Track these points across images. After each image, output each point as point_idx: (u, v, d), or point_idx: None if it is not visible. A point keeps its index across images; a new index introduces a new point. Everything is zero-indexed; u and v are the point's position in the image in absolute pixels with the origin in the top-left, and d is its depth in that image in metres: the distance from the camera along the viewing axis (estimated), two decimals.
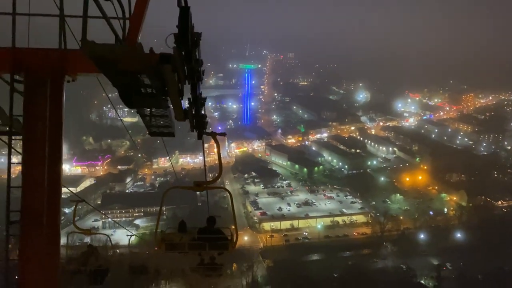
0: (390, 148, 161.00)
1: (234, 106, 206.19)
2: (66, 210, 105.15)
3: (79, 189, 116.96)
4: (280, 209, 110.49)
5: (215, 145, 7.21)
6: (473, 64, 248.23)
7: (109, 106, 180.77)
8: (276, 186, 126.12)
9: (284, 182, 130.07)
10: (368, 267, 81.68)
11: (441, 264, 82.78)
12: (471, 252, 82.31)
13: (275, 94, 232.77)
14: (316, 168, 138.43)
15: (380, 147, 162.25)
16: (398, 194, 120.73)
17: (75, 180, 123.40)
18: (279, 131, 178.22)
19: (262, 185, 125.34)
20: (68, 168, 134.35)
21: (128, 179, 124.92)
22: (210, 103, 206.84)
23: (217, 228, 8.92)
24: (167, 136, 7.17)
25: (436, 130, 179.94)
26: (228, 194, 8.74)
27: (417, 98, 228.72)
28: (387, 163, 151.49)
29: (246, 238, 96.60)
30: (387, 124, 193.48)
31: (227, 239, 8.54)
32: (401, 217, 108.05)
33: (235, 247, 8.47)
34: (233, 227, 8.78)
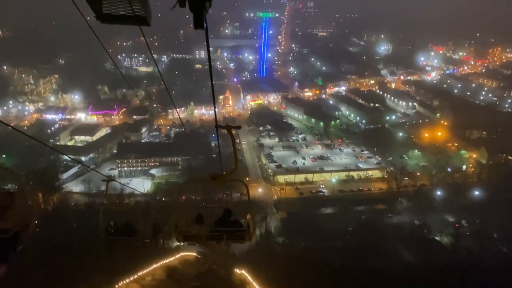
0: (410, 103, 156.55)
1: (250, 57, 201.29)
2: (83, 158, 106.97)
3: (95, 137, 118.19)
4: (294, 162, 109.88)
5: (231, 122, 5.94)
6: (502, 15, 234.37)
7: (123, 55, 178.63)
8: (291, 140, 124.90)
9: (300, 135, 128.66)
10: (382, 222, 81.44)
11: (457, 221, 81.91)
12: (489, 211, 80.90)
13: (293, 45, 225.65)
14: (332, 122, 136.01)
15: (400, 102, 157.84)
16: (416, 150, 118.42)
17: (91, 129, 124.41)
18: (296, 83, 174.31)
19: (277, 138, 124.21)
20: (84, 116, 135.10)
21: (144, 129, 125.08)
22: (225, 54, 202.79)
23: (234, 219, 8.83)
24: (133, 22, 3.97)
25: (459, 85, 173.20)
26: (243, 185, 9.04)
27: (441, 52, 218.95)
28: (406, 118, 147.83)
29: (260, 190, 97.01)
30: (408, 78, 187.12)
31: (244, 230, 8.57)
32: (418, 173, 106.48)
33: (252, 238, 8.45)
34: (249, 216, 8.96)
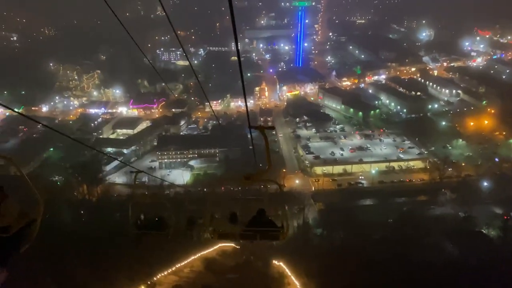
0: (454, 91, 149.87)
1: (286, 48, 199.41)
2: (125, 151, 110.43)
3: (136, 131, 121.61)
4: (332, 153, 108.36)
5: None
6: None
7: (162, 49, 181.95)
8: (329, 131, 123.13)
9: (338, 126, 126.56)
10: (424, 214, 78.79)
11: (505, 214, 77.96)
12: None
13: (330, 34, 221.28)
14: (372, 111, 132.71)
15: (443, 90, 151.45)
16: (460, 140, 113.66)
17: (132, 122, 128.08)
18: (333, 73, 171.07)
19: (314, 129, 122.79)
20: (125, 110, 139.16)
21: (182, 122, 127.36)
22: (261, 45, 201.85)
23: (268, 218, 8.74)
24: None
25: (508, 71, 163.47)
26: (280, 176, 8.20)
27: (487, 36, 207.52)
28: (449, 106, 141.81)
29: (297, 181, 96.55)
30: (452, 64, 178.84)
31: (278, 230, 8.50)
32: (463, 164, 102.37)
33: (285, 237, 8.40)
34: (280, 212, 9.02)
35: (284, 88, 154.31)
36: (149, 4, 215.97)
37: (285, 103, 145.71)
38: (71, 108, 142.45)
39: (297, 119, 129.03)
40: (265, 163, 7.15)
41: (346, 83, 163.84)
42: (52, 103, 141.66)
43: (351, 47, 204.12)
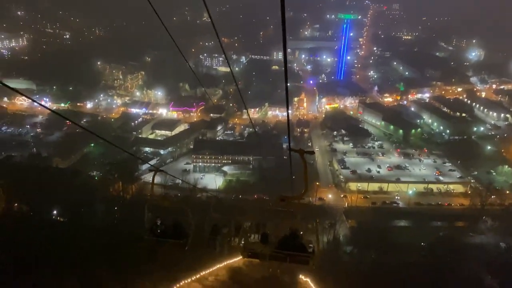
0: (502, 114, 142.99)
1: (329, 60, 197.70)
2: (162, 151, 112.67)
3: (173, 132, 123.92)
4: (369, 170, 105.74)
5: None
6: None
7: (205, 54, 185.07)
8: (367, 146, 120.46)
9: (376, 142, 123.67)
10: (462, 241, 75.00)
11: None
12: None
13: (374, 48, 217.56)
14: (413, 130, 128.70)
15: (490, 113, 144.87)
16: (506, 166, 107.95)
17: (171, 124, 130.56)
18: (375, 88, 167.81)
19: (351, 144, 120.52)
20: (165, 112, 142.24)
21: (219, 127, 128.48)
22: (303, 55, 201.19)
23: (300, 242, 8.64)
24: None
25: None
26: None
27: None
28: (496, 130, 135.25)
29: (330, 196, 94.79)
30: (502, 87, 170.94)
31: (308, 256, 8.47)
32: (507, 191, 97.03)
33: (316, 264, 8.42)
34: (311, 244, 8.97)
35: (324, 100, 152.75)
36: (196, 10, 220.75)
37: (323, 115, 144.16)
38: (114, 106, 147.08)
39: (335, 132, 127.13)
40: (300, 181, 7.22)
41: (387, 99, 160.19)
42: (96, 100, 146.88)
43: (395, 63, 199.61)
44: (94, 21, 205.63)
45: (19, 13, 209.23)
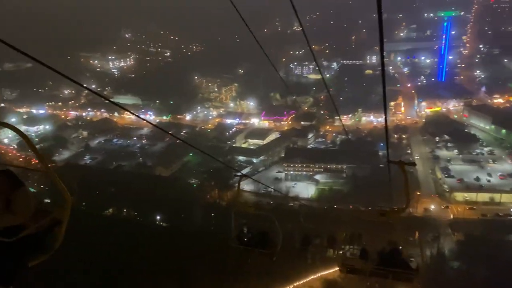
0: None
1: (428, 61, 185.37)
2: (254, 160, 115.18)
3: (265, 141, 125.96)
4: (477, 179, 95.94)
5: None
6: None
7: (295, 63, 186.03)
8: (474, 153, 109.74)
9: (485, 148, 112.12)
10: None
11: None
12: None
13: (480, 46, 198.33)
14: None
15: None
16: None
17: (262, 133, 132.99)
18: (483, 89, 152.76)
19: (456, 151, 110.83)
20: (257, 121, 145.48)
21: (310, 135, 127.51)
22: (399, 58, 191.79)
23: (403, 258, 8.14)
24: None
25: None
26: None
27: None
28: None
29: (432, 207, 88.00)
30: None
31: (412, 273, 7.99)
32: None
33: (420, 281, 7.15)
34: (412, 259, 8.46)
35: (423, 103, 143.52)
36: (286, 20, 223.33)
37: (423, 120, 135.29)
38: (210, 117, 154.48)
39: (437, 138, 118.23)
40: (397, 190, 6.49)
41: (498, 100, 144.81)
42: (194, 112, 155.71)
43: (506, 60, 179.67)
44: (190, 37, 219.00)
45: (126, 35, 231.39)
